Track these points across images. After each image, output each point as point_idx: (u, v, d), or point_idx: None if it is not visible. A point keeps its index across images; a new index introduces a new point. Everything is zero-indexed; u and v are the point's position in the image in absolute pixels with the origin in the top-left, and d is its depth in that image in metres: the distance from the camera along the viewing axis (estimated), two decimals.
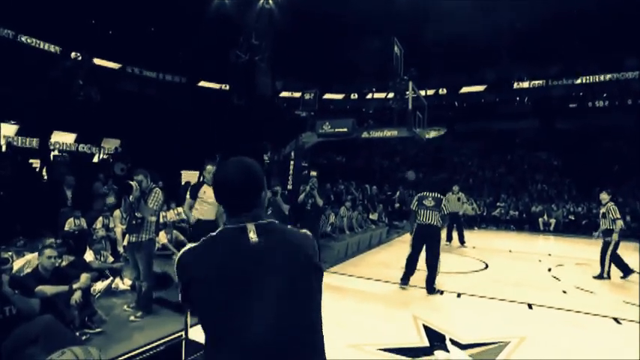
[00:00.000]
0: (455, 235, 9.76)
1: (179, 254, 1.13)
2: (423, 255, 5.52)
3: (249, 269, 1.04)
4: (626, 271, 6.36)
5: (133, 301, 4.23)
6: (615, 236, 6.22)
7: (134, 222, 3.98)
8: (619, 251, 6.38)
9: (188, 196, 4.46)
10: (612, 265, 6.36)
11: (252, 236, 1.07)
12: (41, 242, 4.47)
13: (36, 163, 11.06)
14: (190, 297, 1.07)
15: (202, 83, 25.34)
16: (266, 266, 1.04)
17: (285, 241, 1.12)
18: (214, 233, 1.11)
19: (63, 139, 15.23)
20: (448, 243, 9.59)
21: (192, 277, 1.06)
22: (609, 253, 6.31)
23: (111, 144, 16.41)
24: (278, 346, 1.00)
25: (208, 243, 1.11)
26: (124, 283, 4.92)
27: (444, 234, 9.72)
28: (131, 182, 3.87)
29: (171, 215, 7.98)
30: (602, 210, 6.47)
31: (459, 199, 9.89)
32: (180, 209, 8.24)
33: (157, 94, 21.65)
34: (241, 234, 1.08)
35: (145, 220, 3.99)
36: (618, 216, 6.25)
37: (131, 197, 3.87)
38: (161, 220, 7.86)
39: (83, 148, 15.89)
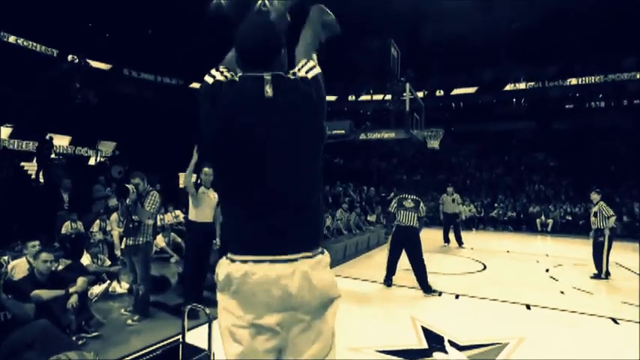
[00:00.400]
0: (451, 236, 9.75)
1: (209, 82, 1.17)
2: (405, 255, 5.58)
3: (261, 124, 1.09)
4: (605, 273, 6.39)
5: (130, 305, 4.22)
6: (607, 232, 6.25)
7: (131, 225, 3.97)
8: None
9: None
10: (608, 264, 6.38)
11: (268, 90, 1.10)
12: (25, 247, 4.39)
13: (28, 166, 11.01)
14: (213, 135, 1.13)
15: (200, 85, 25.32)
16: (276, 127, 1.09)
17: (297, 100, 1.13)
18: (236, 79, 1.16)
19: (58, 141, 15.10)
20: (446, 245, 9.65)
21: (226, 112, 1.11)
22: (605, 251, 6.31)
23: (107, 147, 16.37)
24: (281, 204, 1.11)
25: (230, 88, 1.14)
26: (121, 287, 4.91)
27: (440, 235, 9.76)
28: (128, 185, 3.86)
29: (168, 218, 7.95)
30: (594, 209, 6.49)
31: (453, 200, 9.87)
32: (177, 212, 8.22)
33: (155, 96, 21.63)
34: (258, 85, 1.11)
35: (142, 223, 3.98)
36: (611, 213, 6.27)
37: (128, 200, 3.87)
38: (159, 223, 7.87)
39: (80, 151, 15.84)
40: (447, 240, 9.74)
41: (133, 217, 3.95)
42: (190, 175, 4.19)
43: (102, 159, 14.54)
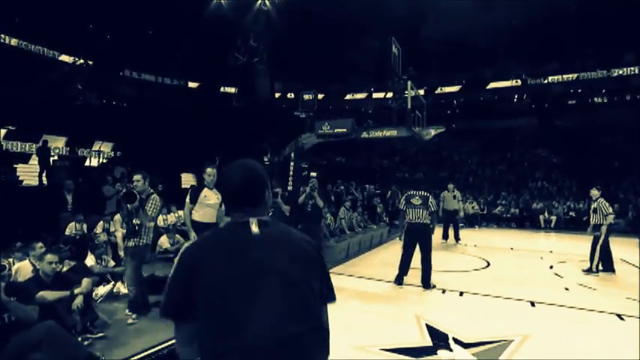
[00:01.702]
0: (451, 233, 9.79)
1: (185, 246, 1.18)
2: (416, 252, 5.58)
3: (252, 257, 1.07)
4: (610, 268, 6.42)
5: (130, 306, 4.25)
6: (604, 229, 6.29)
7: (130, 227, 4.02)
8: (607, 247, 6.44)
9: (188, 200, 4.45)
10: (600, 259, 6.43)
11: (255, 229, 1.11)
12: (32, 248, 4.42)
13: (22, 168, 11.01)
14: (194, 285, 1.05)
15: (201, 86, 25.38)
16: (268, 256, 1.08)
17: (286, 234, 1.17)
18: (219, 228, 1.17)
19: (53, 143, 14.86)
20: (444, 241, 9.67)
21: (201, 264, 1.08)
22: (599, 246, 6.35)
23: (108, 147, 16.33)
24: (278, 342, 0.99)
25: (214, 234, 1.22)
26: (125, 288, 4.92)
27: (439, 232, 9.72)
28: (134, 192, 3.91)
29: (171, 219, 7.98)
30: (594, 205, 6.52)
31: (454, 197, 9.90)
32: (181, 212, 8.24)
33: (156, 96, 21.68)
34: (244, 228, 1.12)
35: (142, 225, 4.04)
36: (610, 211, 6.32)
37: (129, 206, 3.91)
38: (162, 224, 7.88)
39: (83, 152, 15.87)
40: (445, 236, 9.77)
41: (134, 221, 3.99)
42: (188, 210, 4.40)
43: (104, 160, 14.54)
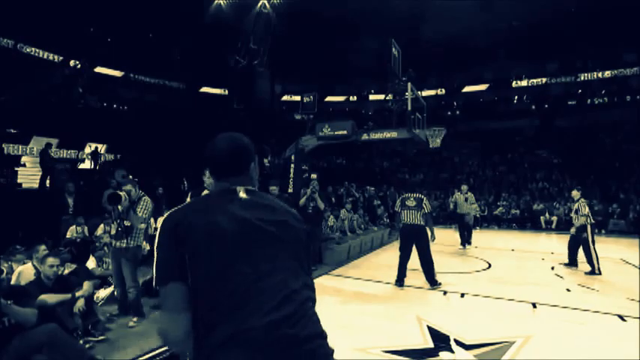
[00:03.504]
0: (463, 236, 9.41)
1: (167, 213, 1.12)
2: (415, 253, 5.66)
3: (243, 216, 1.08)
4: (574, 263, 6.84)
5: (117, 308, 4.27)
6: (588, 229, 6.56)
7: (120, 229, 4.04)
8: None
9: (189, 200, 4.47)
10: (597, 260, 6.54)
11: (242, 195, 1.13)
12: (35, 251, 4.44)
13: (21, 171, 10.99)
14: (187, 244, 1.02)
15: (202, 89, 25.43)
16: (258, 217, 1.09)
17: (273, 202, 1.19)
18: (204, 195, 1.17)
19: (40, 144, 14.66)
20: (462, 248, 9.25)
21: (191, 224, 1.04)
22: (592, 248, 6.51)
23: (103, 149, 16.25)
24: (284, 298, 1.02)
25: (200, 200, 1.20)
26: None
27: (454, 238, 9.57)
28: (120, 193, 3.93)
29: (160, 223, 7.96)
30: (575, 206, 6.77)
31: (466, 199, 9.35)
32: None
33: (158, 99, 21.73)
34: (232, 193, 1.14)
35: (134, 227, 4.08)
36: (587, 212, 6.57)
37: (120, 207, 3.93)
38: (153, 228, 7.87)
39: (83, 155, 15.89)
40: (463, 243, 9.31)
41: (125, 223, 4.01)
42: None
43: (100, 161, 14.46)
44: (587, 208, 6.59)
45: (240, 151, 1.21)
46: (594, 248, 6.52)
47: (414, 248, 5.65)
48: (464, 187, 9.59)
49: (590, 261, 6.53)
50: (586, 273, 6.52)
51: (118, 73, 21.05)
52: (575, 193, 6.85)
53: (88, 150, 15.01)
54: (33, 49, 17.30)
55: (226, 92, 25.08)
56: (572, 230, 6.87)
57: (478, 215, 13.74)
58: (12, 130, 13.64)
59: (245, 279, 1.00)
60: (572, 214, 6.85)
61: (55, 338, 2.69)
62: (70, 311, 3.33)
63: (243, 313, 0.97)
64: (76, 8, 16.50)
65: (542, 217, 14.12)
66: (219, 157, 1.20)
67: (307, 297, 1.08)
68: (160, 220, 1.11)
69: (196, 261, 1.01)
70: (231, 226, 1.05)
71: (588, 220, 6.53)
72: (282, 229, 1.12)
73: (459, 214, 9.39)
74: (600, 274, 6.41)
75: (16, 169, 10.70)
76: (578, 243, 6.73)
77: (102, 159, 15.12)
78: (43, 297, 3.10)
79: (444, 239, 9.74)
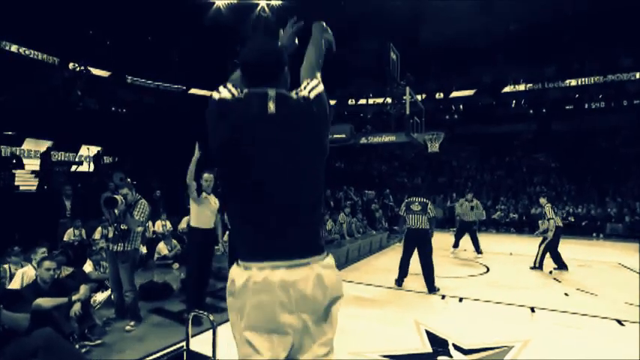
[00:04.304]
0: (460, 244, 9.18)
1: (216, 98, 1.22)
2: (417, 258, 5.72)
3: (263, 139, 1.16)
4: (563, 266, 7.27)
5: (114, 312, 4.25)
6: (550, 234, 7.18)
7: (117, 232, 4.03)
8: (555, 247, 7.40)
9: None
10: (549, 258, 7.33)
11: (271, 106, 1.17)
12: (34, 253, 4.44)
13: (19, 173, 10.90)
14: (224, 143, 1.17)
15: (200, 91, 25.44)
16: (277, 142, 1.16)
17: (299, 112, 1.21)
18: (241, 96, 1.21)
19: (36, 147, 14.10)
20: (454, 250, 9.06)
21: (230, 126, 1.17)
22: (543, 246, 7.32)
23: (92, 151, 15.97)
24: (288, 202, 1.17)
25: (238, 101, 1.21)
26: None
27: (443, 238, 9.56)
28: (116, 196, 3.92)
29: (158, 226, 7.99)
30: (543, 211, 7.47)
31: (472, 207, 8.96)
32: (167, 221, 8.24)
33: (155, 102, 21.71)
34: (262, 101, 1.18)
35: (131, 231, 4.06)
36: (552, 216, 7.20)
37: (116, 210, 3.92)
38: (161, 229, 7.84)
39: (80, 157, 15.80)
40: (456, 245, 9.16)
41: (122, 227, 3.99)
42: (192, 172, 4.19)
43: (91, 162, 14.29)
44: (552, 214, 7.24)
45: (270, 55, 1.26)
46: (554, 249, 7.27)
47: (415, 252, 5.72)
48: (469, 196, 9.22)
49: (541, 258, 7.41)
50: (531, 267, 7.47)
51: (115, 76, 21.03)
52: (543, 201, 7.54)
53: (86, 152, 14.91)
54: (31, 51, 17.29)
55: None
56: (537, 233, 7.78)
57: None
58: (9, 133, 13.56)
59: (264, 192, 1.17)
60: (540, 220, 7.63)
61: (51, 342, 2.66)
62: (67, 315, 3.30)
63: None
64: (74, 11, 16.53)
65: (540, 222, 14.11)
66: (251, 62, 1.25)
67: (314, 203, 1.23)
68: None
69: (226, 171, 1.22)
70: (255, 146, 1.16)
71: (553, 224, 7.20)
72: (302, 146, 1.19)
73: (463, 222, 9.05)
74: (541, 268, 7.28)
75: (13, 171, 10.62)
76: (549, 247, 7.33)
77: (102, 161, 15.06)
78: (39, 301, 3.08)
79: (443, 243, 9.73)
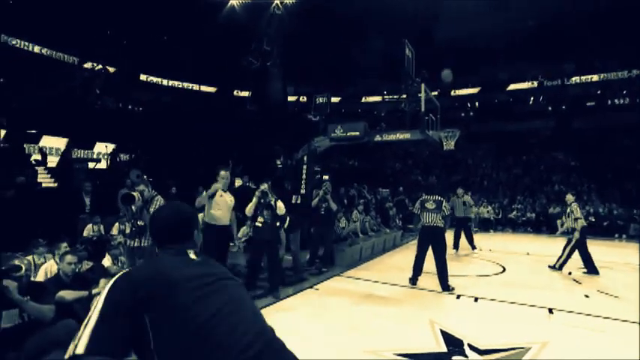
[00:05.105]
0: (457, 241, 9.13)
1: (117, 276, 1.12)
2: (431, 257, 5.66)
3: (201, 272, 1.18)
4: (593, 270, 6.73)
5: None
6: (577, 234, 6.75)
7: (134, 228, 4.11)
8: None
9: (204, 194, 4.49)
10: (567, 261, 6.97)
11: (193, 256, 1.25)
12: (57, 248, 4.55)
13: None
14: (151, 308, 1.04)
15: (215, 89, 25.71)
16: (213, 272, 1.21)
17: (217, 263, 1.31)
18: (154, 258, 1.28)
19: (54, 143, 14.26)
20: (455, 251, 8.93)
21: (152, 288, 1.07)
22: (569, 248, 6.88)
23: (107, 149, 16.29)
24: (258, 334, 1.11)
25: (150, 262, 1.30)
26: None
27: (450, 241, 9.42)
28: (133, 193, 3.99)
29: None
30: (568, 210, 7.02)
31: (464, 203, 9.22)
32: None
33: (171, 101, 22.05)
34: (183, 254, 1.25)
35: (147, 226, 4.10)
36: (579, 216, 6.81)
37: (133, 207, 3.99)
38: None
39: (99, 155, 16.16)
40: (456, 246, 9.10)
41: (139, 223, 4.07)
42: (207, 198, 4.29)
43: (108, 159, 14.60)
44: (579, 213, 6.86)
45: (186, 220, 1.36)
46: (585, 251, 6.76)
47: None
48: (459, 191, 9.52)
49: (560, 257, 7.02)
50: (549, 266, 7.14)
51: (130, 75, 21.43)
52: (570, 197, 7.13)
53: (103, 150, 15.26)
54: (52, 52, 17.77)
55: (240, 93, 25.30)
56: (559, 232, 7.51)
57: (488, 215, 13.53)
58: (32, 131, 13.96)
59: (222, 324, 1.07)
60: (566, 218, 7.11)
61: (73, 334, 2.73)
62: (87, 308, 3.37)
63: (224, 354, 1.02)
64: (94, 12, 16.89)
65: (558, 221, 13.76)
66: (169, 227, 1.32)
67: (272, 329, 1.18)
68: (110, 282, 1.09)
69: (166, 322, 1.03)
70: (195, 282, 1.12)
71: (580, 224, 6.75)
72: (232, 281, 1.24)
73: (455, 218, 9.18)
74: (561, 269, 6.94)
75: (36, 168, 10.94)
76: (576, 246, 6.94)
77: (119, 159, 15.37)
78: (62, 293, 3.17)
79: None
